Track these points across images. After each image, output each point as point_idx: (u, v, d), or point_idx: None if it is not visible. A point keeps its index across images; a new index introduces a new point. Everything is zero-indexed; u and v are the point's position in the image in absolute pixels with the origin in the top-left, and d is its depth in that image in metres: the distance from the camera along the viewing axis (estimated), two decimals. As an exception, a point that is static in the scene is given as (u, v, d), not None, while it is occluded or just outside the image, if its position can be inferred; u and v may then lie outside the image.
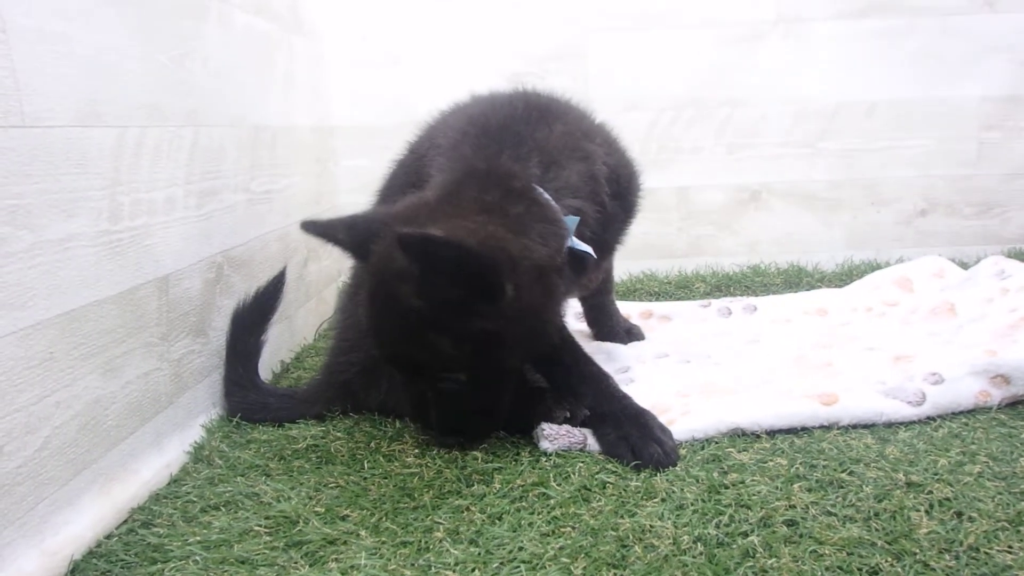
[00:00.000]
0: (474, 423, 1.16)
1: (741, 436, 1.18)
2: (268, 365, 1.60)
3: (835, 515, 0.94)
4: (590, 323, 1.77)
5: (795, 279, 2.19)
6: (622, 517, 0.96)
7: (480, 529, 0.95)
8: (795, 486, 1.00)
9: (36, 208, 0.92)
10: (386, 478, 1.10)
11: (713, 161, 2.36)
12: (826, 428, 1.19)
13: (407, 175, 1.39)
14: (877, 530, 0.90)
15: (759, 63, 2.30)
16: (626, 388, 1.26)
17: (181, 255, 1.27)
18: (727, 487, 1.02)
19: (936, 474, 1.02)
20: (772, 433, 1.18)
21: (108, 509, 1.04)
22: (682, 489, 1.02)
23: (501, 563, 0.88)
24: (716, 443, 1.15)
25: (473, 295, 1.03)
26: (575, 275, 1.21)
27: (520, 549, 0.90)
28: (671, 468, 1.08)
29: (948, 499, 0.96)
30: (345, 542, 0.94)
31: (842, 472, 1.04)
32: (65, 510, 0.97)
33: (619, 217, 1.36)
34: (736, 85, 2.31)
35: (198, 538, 0.97)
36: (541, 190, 1.16)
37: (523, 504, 1.01)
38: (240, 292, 1.48)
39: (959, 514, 0.93)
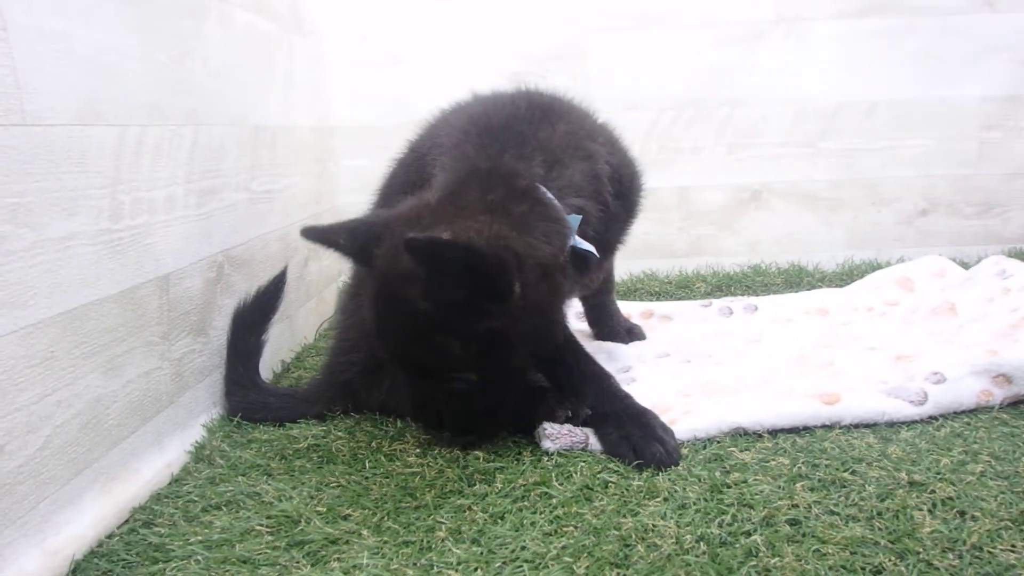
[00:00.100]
0: (484, 422, 1.16)
1: (743, 435, 1.17)
2: (269, 365, 1.60)
3: (838, 514, 0.94)
4: (591, 323, 1.77)
5: (796, 279, 2.19)
6: (624, 516, 0.95)
7: (482, 528, 0.95)
8: (798, 485, 1.00)
9: (37, 206, 0.92)
10: (388, 477, 1.10)
11: (713, 161, 2.36)
12: (828, 427, 1.19)
13: (407, 174, 1.38)
14: (880, 529, 0.90)
15: (759, 63, 2.30)
16: (627, 388, 1.26)
17: (182, 254, 1.27)
18: (729, 486, 1.01)
19: (939, 473, 1.02)
20: (774, 432, 1.18)
21: (109, 508, 1.04)
22: (684, 488, 1.01)
23: (503, 562, 0.88)
24: (718, 442, 1.15)
25: (480, 295, 1.03)
26: (578, 274, 1.21)
27: (522, 548, 0.90)
28: (673, 467, 1.08)
29: (951, 498, 0.96)
30: (347, 541, 0.94)
31: (844, 471, 1.04)
32: (66, 509, 0.97)
33: (621, 216, 1.36)
34: (736, 85, 2.31)
35: (199, 538, 0.97)
36: (544, 189, 1.15)
37: (525, 503, 1.01)
38: (241, 291, 1.48)
39: (962, 513, 0.93)
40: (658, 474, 1.07)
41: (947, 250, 2.24)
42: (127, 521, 1.05)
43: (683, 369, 1.52)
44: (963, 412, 1.23)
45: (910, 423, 1.20)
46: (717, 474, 1.05)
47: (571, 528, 0.94)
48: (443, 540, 0.93)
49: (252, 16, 1.66)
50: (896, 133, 2.32)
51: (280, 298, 1.51)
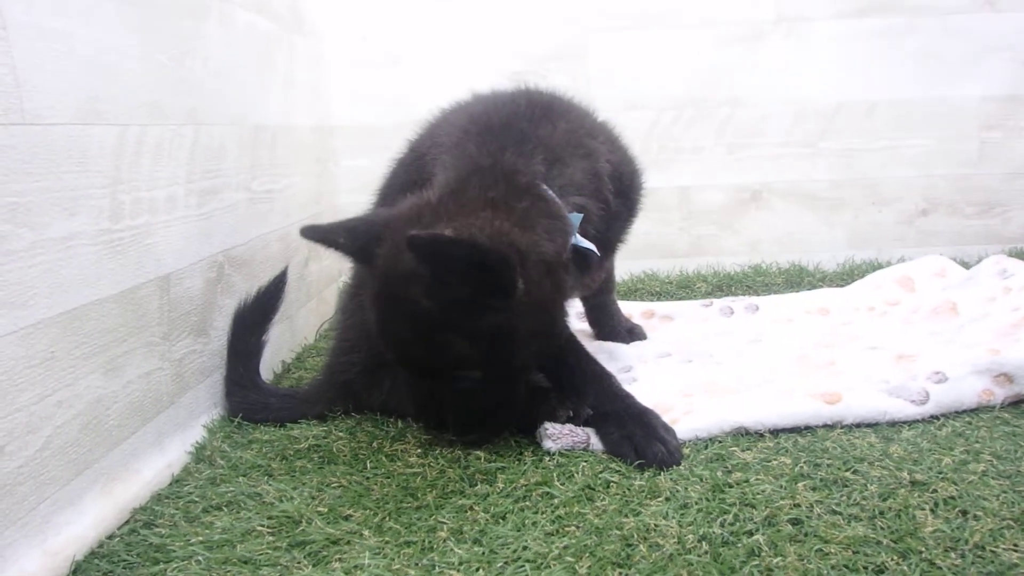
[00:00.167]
0: (491, 420, 1.15)
1: (745, 435, 1.17)
2: (269, 365, 1.59)
3: (840, 514, 0.93)
4: (592, 323, 1.76)
5: (796, 279, 2.19)
6: (626, 516, 0.95)
7: (484, 529, 0.95)
8: (799, 485, 1.00)
9: (37, 206, 0.92)
10: (389, 478, 1.10)
11: (714, 161, 2.36)
12: (830, 427, 1.19)
13: (408, 174, 1.38)
14: (882, 528, 0.90)
15: (759, 63, 2.30)
16: (628, 387, 1.26)
17: (182, 254, 1.26)
18: (731, 486, 1.01)
19: (940, 473, 1.02)
20: (776, 432, 1.17)
21: (110, 509, 1.03)
22: (686, 488, 1.01)
23: (505, 562, 0.88)
24: (720, 442, 1.15)
25: (485, 292, 1.03)
26: (579, 273, 1.21)
27: (524, 548, 0.90)
28: (675, 467, 1.08)
29: (953, 498, 0.96)
30: (348, 542, 0.94)
31: (846, 471, 1.04)
32: (67, 510, 0.97)
33: (622, 215, 1.36)
34: (737, 85, 2.31)
35: (200, 538, 0.97)
36: (545, 187, 1.15)
37: (527, 503, 1.00)
38: (241, 292, 1.48)
39: (964, 512, 0.93)
40: (660, 474, 1.06)
41: (948, 250, 2.24)
42: (128, 522, 1.05)
43: (684, 369, 1.52)
44: (965, 411, 1.23)
45: (912, 422, 1.20)
46: (719, 474, 1.04)
47: (573, 528, 0.94)
48: (445, 540, 0.93)
49: (252, 16, 1.66)
50: (896, 133, 2.32)
51: (281, 298, 1.51)
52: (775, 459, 1.08)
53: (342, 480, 1.10)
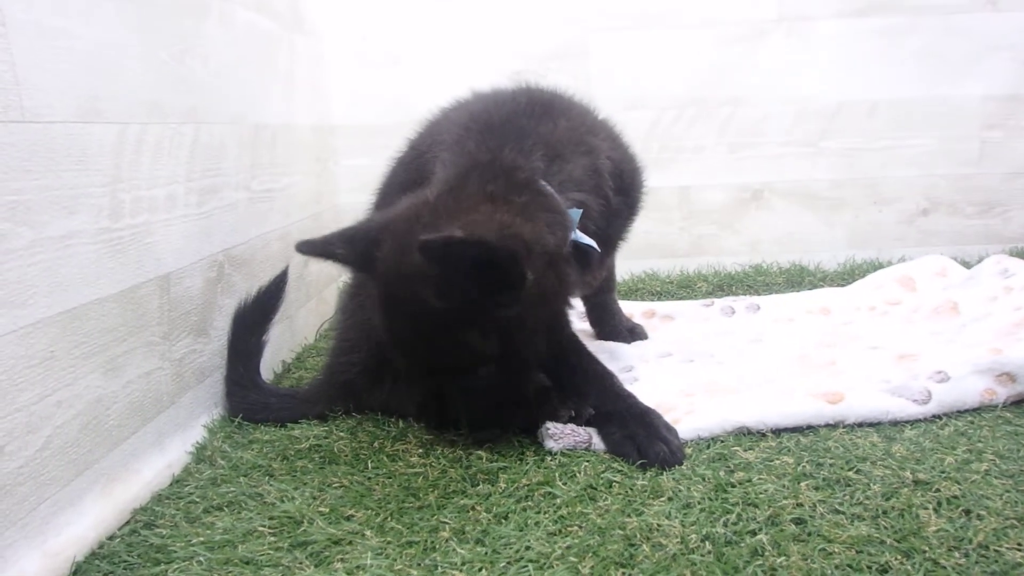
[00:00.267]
0: (502, 415, 1.15)
1: (747, 435, 1.17)
2: (269, 365, 1.59)
3: (843, 513, 0.93)
4: (592, 323, 1.76)
5: (797, 278, 2.18)
6: (629, 516, 0.95)
7: (486, 529, 0.94)
8: (802, 484, 1.00)
9: (36, 205, 0.91)
10: (390, 478, 1.10)
11: (715, 160, 2.35)
12: (832, 427, 1.18)
13: (407, 173, 1.38)
14: (886, 528, 0.90)
15: (761, 62, 2.29)
16: (630, 387, 1.26)
17: (182, 253, 1.26)
18: (734, 486, 1.01)
19: (943, 472, 1.02)
20: (778, 432, 1.17)
21: (110, 510, 1.03)
22: (689, 488, 1.01)
23: (508, 563, 0.87)
24: (722, 442, 1.15)
25: (495, 287, 1.02)
26: (580, 271, 1.21)
27: (527, 548, 0.89)
28: (677, 467, 1.08)
29: (956, 497, 0.96)
30: (350, 542, 0.93)
31: (849, 470, 1.03)
32: (67, 511, 0.96)
33: (623, 212, 1.35)
34: (738, 84, 2.31)
35: (201, 539, 0.96)
36: (544, 183, 1.15)
37: (529, 503, 1.00)
38: (241, 291, 1.47)
39: (967, 512, 0.92)
40: (662, 473, 1.06)
41: (948, 249, 2.24)
42: (128, 522, 1.05)
43: (685, 369, 1.52)
44: (967, 411, 1.22)
45: (914, 422, 1.19)
46: (721, 473, 1.04)
47: (575, 528, 0.93)
48: (447, 540, 0.92)
49: (252, 14, 1.65)
50: (897, 132, 2.32)
51: (281, 298, 1.51)
52: (777, 459, 1.07)
53: (343, 480, 1.09)
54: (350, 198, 2.09)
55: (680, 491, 1.00)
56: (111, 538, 1.00)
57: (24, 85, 0.90)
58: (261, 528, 0.98)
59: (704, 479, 1.03)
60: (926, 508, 0.93)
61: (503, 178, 1.11)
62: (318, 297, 2.05)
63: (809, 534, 0.90)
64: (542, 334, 1.12)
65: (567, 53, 2.31)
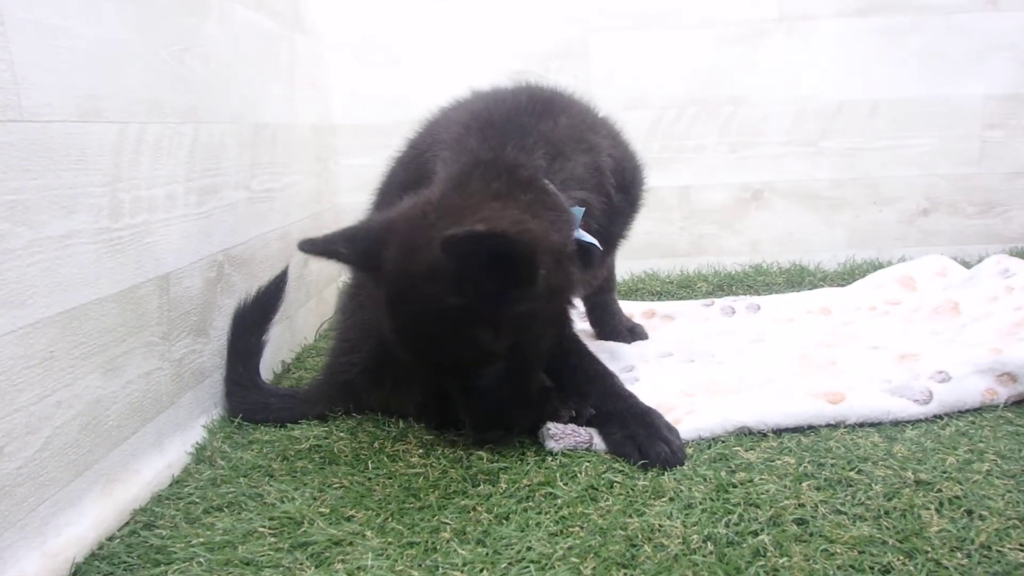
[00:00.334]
0: (511, 415, 1.14)
1: (748, 435, 1.17)
2: (269, 365, 1.59)
3: (845, 513, 0.93)
4: (593, 323, 1.76)
5: (797, 278, 2.18)
6: (630, 516, 0.95)
7: (487, 529, 0.94)
8: (804, 485, 1.00)
9: (35, 204, 0.91)
10: (391, 478, 1.09)
11: (715, 160, 2.35)
12: (833, 427, 1.18)
13: (407, 172, 1.37)
14: (888, 528, 0.89)
15: (761, 62, 2.29)
16: (630, 387, 1.26)
17: (182, 253, 1.26)
18: (735, 486, 1.01)
19: (945, 472, 1.02)
20: (779, 432, 1.17)
21: (110, 510, 1.03)
22: (690, 488, 1.01)
23: (509, 563, 0.87)
24: (723, 442, 1.15)
25: (510, 282, 1.02)
26: (583, 268, 1.21)
27: (528, 549, 0.89)
28: (678, 467, 1.07)
29: (958, 497, 0.95)
30: (351, 543, 0.93)
31: (850, 470, 1.03)
32: (67, 511, 0.96)
33: (624, 210, 1.35)
34: (738, 84, 2.31)
35: (201, 539, 0.96)
36: (547, 181, 1.15)
37: (530, 504, 1.00)
38: (241, 291, 1.47)
39: (969, 512, 0.92)
40: (663, 474, 1.06)
41: (949, 249, 2.24)
42: (128, 523, 1.04)
43: (686, 369, 1.51)
44: (968, 411, 1.22)
45: (915, 422, 1.19)
46: (723, 474, 1.04)
47: (577, 528, 0.93)
48: (448, 541, 0.92)
49: (252, 14, 1.65)
50: (898, 132, 2.32)
51: (281, 298, 1.50)
52: (779, 459, 1.07)
53: (344, 480, 1.09)
54: (350, 197, 2.09)
55: (681, 491, 1.00)
56: (111, 539, 1.00)
57: (23, 84, 0.89)
58: (261, 529, 0.97)
59: (705, 479, 1.03)
60: (928, 508, 0.93)
61: (507, 176, 1.11)
62: (318, 297, 2.05)
63: (811, 534, 0.89)
64: (549, 332, 1.12)
65: (568, 53, 2.30)
